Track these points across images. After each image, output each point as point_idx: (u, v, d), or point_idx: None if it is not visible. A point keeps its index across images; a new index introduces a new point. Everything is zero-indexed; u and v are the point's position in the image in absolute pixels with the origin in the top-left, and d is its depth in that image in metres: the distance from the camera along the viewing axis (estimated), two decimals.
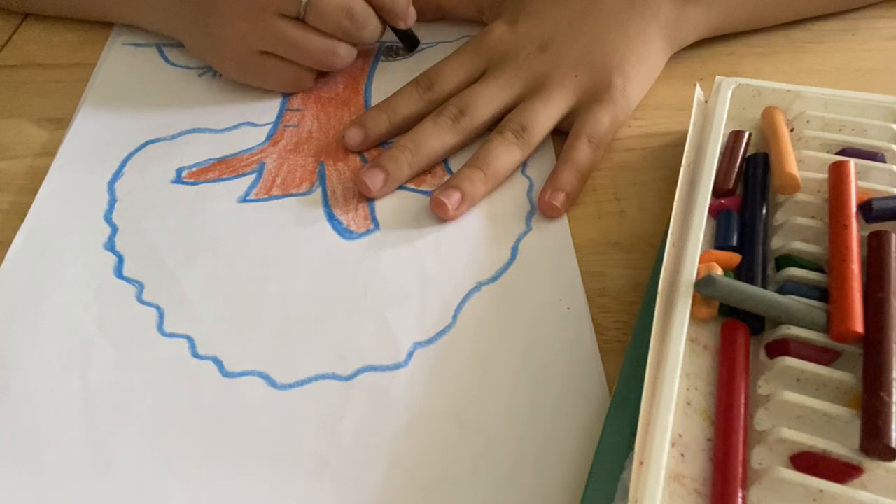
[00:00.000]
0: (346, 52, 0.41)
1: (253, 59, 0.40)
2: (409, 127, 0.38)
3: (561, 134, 0.39)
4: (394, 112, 0.39)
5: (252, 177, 0.38)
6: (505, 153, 0.36)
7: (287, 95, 0.43)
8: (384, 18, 0.41)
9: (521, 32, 0.40)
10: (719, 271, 0.28)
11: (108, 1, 0.45)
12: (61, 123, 0.41)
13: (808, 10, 0.46)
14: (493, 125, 0.38)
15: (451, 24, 0.48)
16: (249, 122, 0.41)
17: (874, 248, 0.28)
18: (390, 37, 0.45)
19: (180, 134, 0.41)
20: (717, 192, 0.32)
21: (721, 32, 0.44)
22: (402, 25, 0.42)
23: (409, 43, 0.45)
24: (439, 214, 0.35)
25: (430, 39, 0.47)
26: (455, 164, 0.38)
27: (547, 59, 0.39)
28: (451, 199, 0.35)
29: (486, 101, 0.38)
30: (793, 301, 0.27)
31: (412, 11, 0.42)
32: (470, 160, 0.36)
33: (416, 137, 0.37)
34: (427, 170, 0.38)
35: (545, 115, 0.37)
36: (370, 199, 0.37)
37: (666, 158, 0.38)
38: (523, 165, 0.38)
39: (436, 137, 0.37)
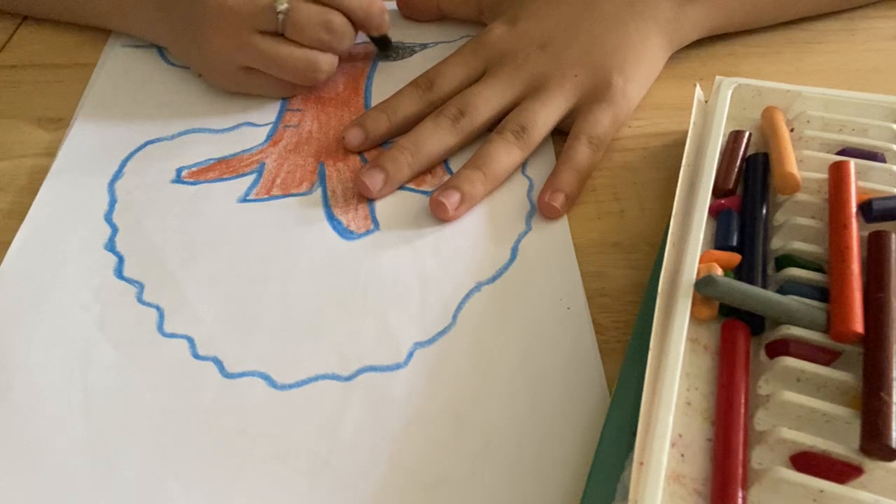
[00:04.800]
0: (327, 66, 0.40)
1: (236, 73, 0.40)
2: (409, 127, 0.38)
3: (561, 134, 0.39)
4: (394, 112, 0.39)
5: (252, 177, 0.38)
6: (505, 154, 0.36)
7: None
8: (358, 26, 0.41)
9: (520, 33, 0.40)
10: (719, 271, 0.28)
11: (101, 8, 0.45)
12: (61, 123, 0.41)
13: (808, 10, 0.46)
14: (493, 125, 0.38)
15: (451, 24, 0.48)
16: (249, 122, 0.41)
17: (874, 248, 0.28)
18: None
19: (180, 134, 0.41)
20: (717, 192, 0.32)
21: (721, 31, 0.44)
22: (376, 33, 0.43)
23: (382, 45, 0.45)
24: (439, 215, 0.35)
25: (431, 40, 0.47)
26: (455, 165, 0.38)
27: (546, 59, 0.39)
28: (451, 200, 0.35)
29: (486, 102, 0.38)
30: (793, 301, 0.27)
31: (386, 18, 0.42)
32: (470, 161, 0.36)
33: (416, 138, 0.37)
34: (427, 170, 0.38)
35: (545, 116, 0.37)
36: (370, 200, 0.37)
37: (666, 158, 0.38)
38: (523, 165, 0.38)
39: (435, 138, 0.37)
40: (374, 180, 0.36)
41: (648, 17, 0.40)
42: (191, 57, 0.42)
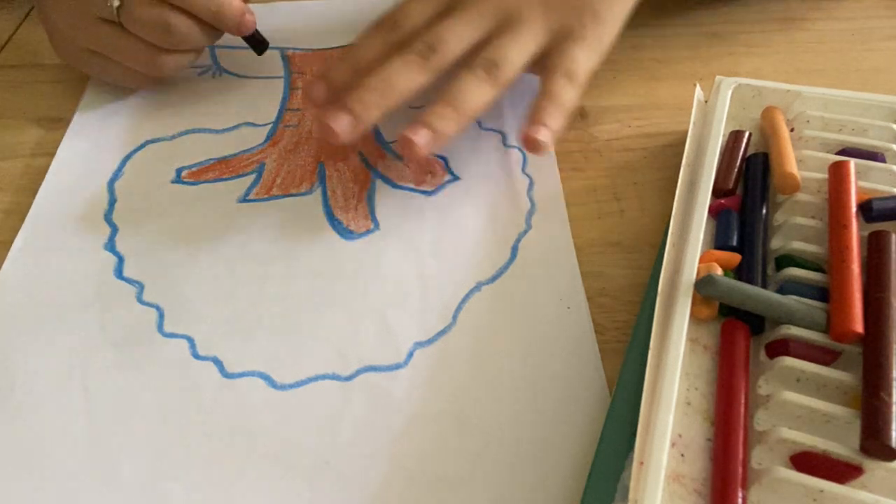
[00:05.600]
0: (173, 62, 0.39)
1: (82, 55, 0.39)
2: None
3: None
4: (357, 59, 0.36)
5: (252, 177, 0.38)
6: (476, 90, 0.34)
7: (286, 96, 0.43)
8: (215, 27, 0.39)
9: None
10: (719, 271, 0.28)
11: None
12: (61, 123, 0.41)
13: None
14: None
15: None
16: (249, 122, 0.41)
17: (874, 248, 0.28)
18: None
19: (180, 134, 0.41)
20: (717, 192, 0.32)
21: None
22: (237, 34, 0.40)
23: (256, 46, 0.42)
24: (408, 153, 0.33)
25: None
26: (454, 163, 0.38)
27: None
28: (420, 136, 0.32)
29: (457, 37, 0.35)
30: (793, 301, 0.27)
31: (249, 19, 0.39)
32: (439, 97, 0.34)
33: (384, 76, 0.34)
34: (424, 169, 0.38)
35: (517, 52, 0.35)
36: (370, 199, 0.37)
37: (666, 158, 0.38)
38: (523, 164, 0.38)
39: (405, 76, 0.34)
40: (340, 122, 0.33)
41: None
42: (46, 28, 0.41)
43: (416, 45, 0.35)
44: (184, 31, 0.38)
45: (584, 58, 0.36)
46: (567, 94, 0.35)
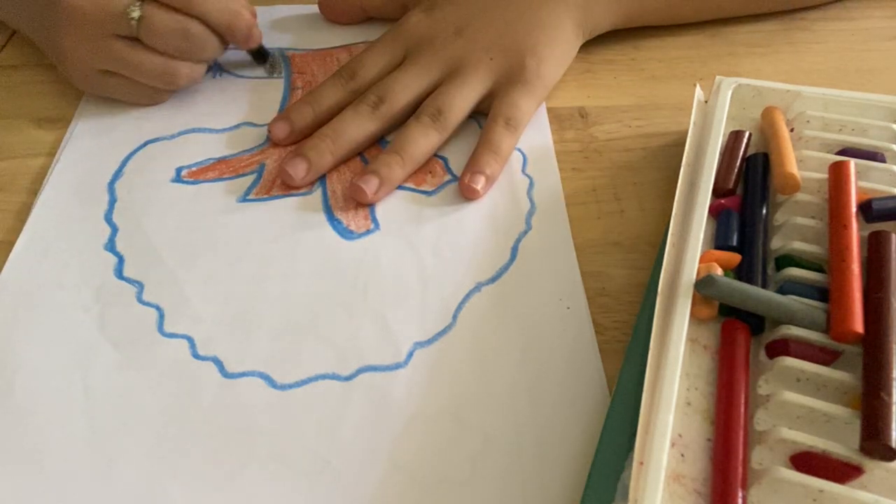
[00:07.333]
0: (188, 71, 0.40)
1: (95, 77, 0.40)
2: (334, 117, 0.38)
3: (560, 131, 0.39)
4: (318, 103, 0.39)
5: (252, 177, 0.38)
6: (422, 137, 0.37)
7: (286, 96, 0.43)
8: (224, 38, 0.40)
9: (437, 18, 0.41)
10: (719, 271, 0.28)
11: None
12: (61, 123, 0.41)
13: (734, 9, 0.46)
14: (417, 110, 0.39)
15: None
16: (249, 122, 0.41)
17: (874, 248, 0.28)
18: None
19: (180, 134, 0.41)
20: (717, 192, 0.32)
21: (637, 24, 0.45)
22: (244, 47, 0.42)
23: (258, 58, 0.44)
24: (358, 199, 0.36)
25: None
26: (454, 163, 0.38)
27: (462, 43, 0.39)
28: (370, 185, 0.35)
29: (405, 87, 0.38)
30: (793, 301, 0.27)
31: (257, 32, 0.41)
32: (388, 146, 0.37)
33: (337, 126, 0.37)
34: (418, 168, 0.38)
35: (461, 98, 0.38)
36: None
37: (666, 158, 0.38)
38: (523, 164, 0.38)
39: (355, 125, 0.38)
40: (297, 169, 0.37)
41: (560, 1, 0.41)
42: (53, 56, 0.41)
43: (367, 97, 0.38)
44: (201, 38, 0.39)
45: (525, 102, 0.39)
46: (505, 142, 0.38)
